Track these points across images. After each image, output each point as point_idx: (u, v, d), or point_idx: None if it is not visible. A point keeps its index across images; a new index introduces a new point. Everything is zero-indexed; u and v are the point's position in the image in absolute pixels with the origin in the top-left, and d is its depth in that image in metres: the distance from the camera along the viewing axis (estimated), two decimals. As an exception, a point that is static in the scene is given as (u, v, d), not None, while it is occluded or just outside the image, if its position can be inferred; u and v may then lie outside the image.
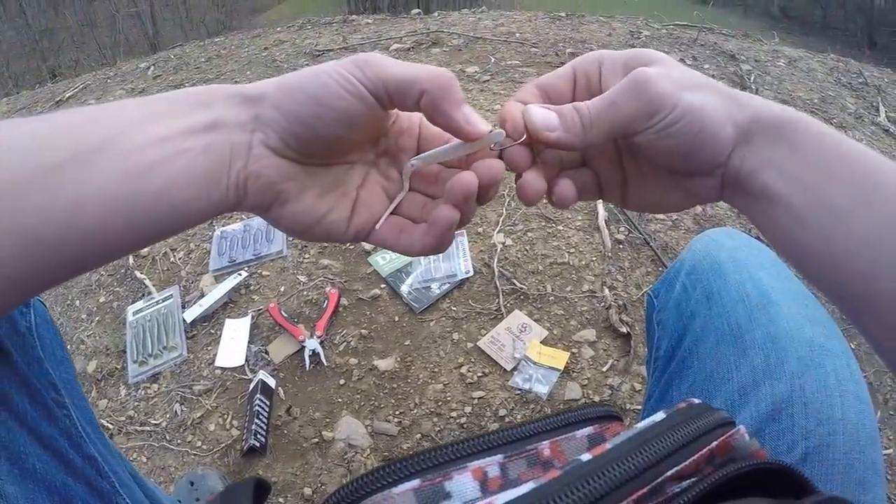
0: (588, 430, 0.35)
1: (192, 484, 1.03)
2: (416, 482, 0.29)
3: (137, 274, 1.43)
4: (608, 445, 0.30)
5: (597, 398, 1.12)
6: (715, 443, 0.31)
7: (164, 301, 1.33)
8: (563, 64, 0.39)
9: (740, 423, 0.36)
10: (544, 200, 0.37)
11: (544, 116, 0.35)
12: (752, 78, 1.96)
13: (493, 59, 1.99)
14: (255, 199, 0.33)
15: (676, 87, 0.33)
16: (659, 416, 0.33)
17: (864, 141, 1.73)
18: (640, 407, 1.03)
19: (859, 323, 0.33)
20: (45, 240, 0.27)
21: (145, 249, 1.51)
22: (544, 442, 0.33)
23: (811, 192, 0.32)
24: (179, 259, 1.46)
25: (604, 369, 1.15)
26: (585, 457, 0.29)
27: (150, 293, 1.38)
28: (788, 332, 0.53)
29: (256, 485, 0.35)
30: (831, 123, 1.80)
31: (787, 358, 0.51)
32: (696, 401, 0.35)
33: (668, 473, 0.29)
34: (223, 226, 1.50)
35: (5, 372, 0.41)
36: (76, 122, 0.29)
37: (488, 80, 1.92)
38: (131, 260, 1.49)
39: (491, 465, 0.31)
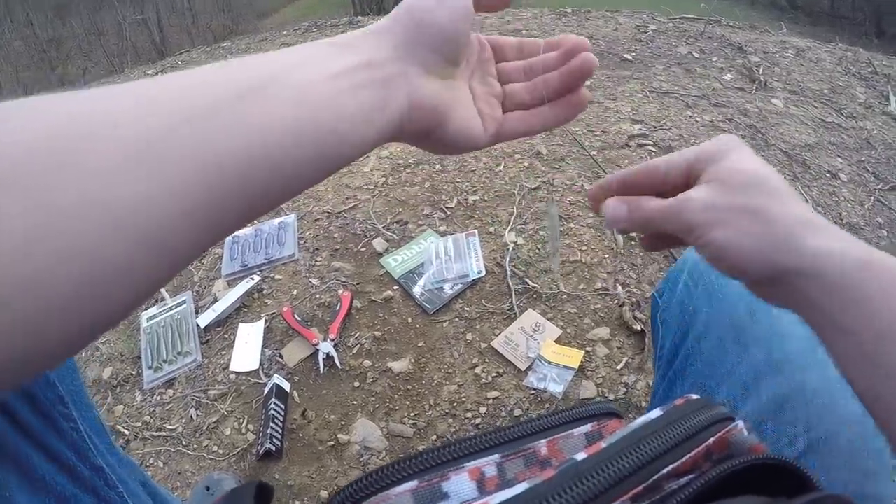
0: (586, 427, 0.35)
1: (208, 489, 1.03)
2: (413, 483, 0.29)
3: (150, 280, 1.44)
4: (603, 444, 0.30)
5: (612, 396, 1.12)
6: (712, 439, 0.32)
7: (177, 307, 1.34)
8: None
9: (742, 416, 0.37)
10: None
11: (614, 212, 0.39)
12: (761, 70, 1.95)
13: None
14: (419, 125, 0.35)
15: (710, 217, 0.34)
16: (655, 413, 0.33)
17: (874, 131, 1.71)
18: (656, 405, 1.03)
19: None
20: (230, 169, 0.25)
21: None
22: (542, 440, 0.33)
23: (865, 351, 0.31)
24: (192, 265, 1.47)
25: (618, 367, 1.15)
26: (580, 456, 0.29)
27: (163, 299, 1.39)
28: (790, 326, 0.53)
29: (258, 488, 0.35)
30: (842, 114, 1.78)
31: (789, 351, 0.52)
32: (694, 396, 0.36)
33: (665, 471, 0.29)
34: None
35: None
36: (230, 68, 0.29)
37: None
38: (144, 266, 1.49)
39: (488, 464, 0.31)
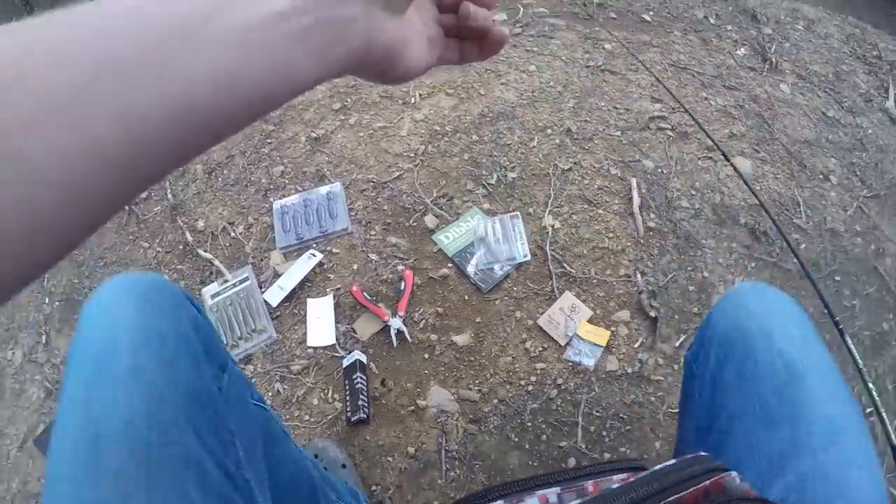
0: (623, 475, 0.47)
1: (316, 456, 1.17)
2: (500, 502, 0.44)
3: (201, 252, 1.43)
4: (632, 479, 0.41)
5: (630, 370, 1.31)
6: (709, 481, 0.40)
7: (240, 283, 1.37)
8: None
9: (772, 496, 0.46)
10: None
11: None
12: (773, 48, 1.92)
13: (521, 9, 1.92)
14: (370, 66, 0.33)
15: None
16: (671, 462, 0.43)
17: (870, 130, 1.76)
18: (661, 378, 1.29)
19: None
20: (154, 121, 0.24)
21: (201, 224, 1.48)
22: (589, 481, 0.46)
23: None
24: (240, 234, 1.47)
25: (635, 346, 1.34)
26: (615, 485, 0.41)
27: (218, 271, 1.40)
28: (813, 409, 0.56)
29: None
30: (842, 107, 1.79)
31: (811, 433, 0.55)
32: (703, 453, 0.45)
33: (671, 499, 0.38)
34: (280, 198, 1.49)
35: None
36: (162, 2, 0.26)
37: (519, 34, 1.88)
38: (189, 236, 1.46)
39: (551, 494, 0.44)
